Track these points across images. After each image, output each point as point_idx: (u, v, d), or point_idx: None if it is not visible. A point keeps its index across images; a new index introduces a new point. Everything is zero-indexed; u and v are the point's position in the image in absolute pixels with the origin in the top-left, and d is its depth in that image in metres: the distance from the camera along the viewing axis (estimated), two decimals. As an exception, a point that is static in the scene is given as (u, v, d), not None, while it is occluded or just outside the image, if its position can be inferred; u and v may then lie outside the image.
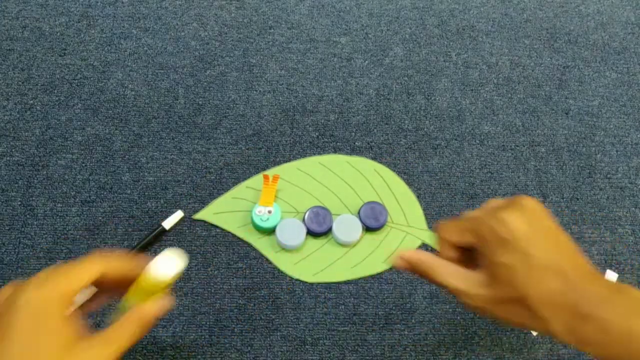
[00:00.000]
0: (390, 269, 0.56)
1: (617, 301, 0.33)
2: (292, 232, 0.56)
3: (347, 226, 0.57)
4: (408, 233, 0.58)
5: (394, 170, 0.62)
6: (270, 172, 0.60)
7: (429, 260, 0.38)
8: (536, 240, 0.35)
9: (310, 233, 0.57)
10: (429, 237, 0.58)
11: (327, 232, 0.57)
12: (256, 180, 0.60)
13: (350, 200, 0.59)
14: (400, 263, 0.39)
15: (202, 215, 0.57)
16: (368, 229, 0.57)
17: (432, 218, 0.59)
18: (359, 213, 0.58)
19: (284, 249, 0.56)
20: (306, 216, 0.57)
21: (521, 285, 0.34)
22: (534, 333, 0.54)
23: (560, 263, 0.34)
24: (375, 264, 0.56)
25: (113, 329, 0.34)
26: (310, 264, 0.56)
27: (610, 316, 0.32)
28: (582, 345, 0.33)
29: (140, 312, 0.35)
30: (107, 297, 0.39)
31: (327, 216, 0.57)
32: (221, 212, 0.58)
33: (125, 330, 0.34)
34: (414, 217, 0.59)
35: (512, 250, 0.34)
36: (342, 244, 0.57)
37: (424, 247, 0.58)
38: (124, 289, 0.36)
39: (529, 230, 0.35)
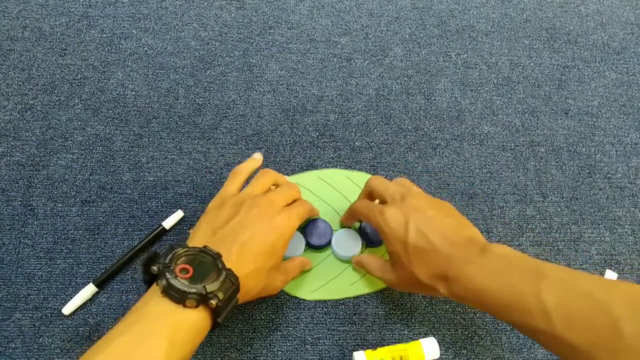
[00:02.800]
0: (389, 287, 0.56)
1: (477, 262, 0.41)
2: (291, 243, 0.54)
3: (346, 241, 0.56)
4: None
5: (394, 170, 0.62)
6: None
7: (364, 259, 0.53)
8: (410, 229, 0.45)
9: (310, 246, 0.56)
10: None
11: (327, 245, 0.56)
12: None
13: None
14: (355, 264, 0.55)
15: None
16: (369, 245, 0.57)
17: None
18: (359, 229, 0.57)
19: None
20: (306, 229, 0.56)
21: (407, 266, 0.45)
22: None
23: (432, 241, 0.44)
24: (374, 281, 0.55)
25: (289, 266, 0.51)
26: (307, 281, 0.55)
27: (469, 276, 0.41)
28: (455, 298, 0.43)
29: (302, 261, 0.54)
30: None
31: (327, 229, 0.56)
32: None
33: (295, 269, 0.52)
34: None
35: (394, 241, 0.46)
36: (341, 259, 0.56)
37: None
38: None
39: (404, 222, 0.46)
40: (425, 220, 0.45)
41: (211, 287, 0.38)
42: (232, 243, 0.43)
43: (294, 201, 0.51)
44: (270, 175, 0.51)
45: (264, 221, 0.45)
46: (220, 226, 0.45)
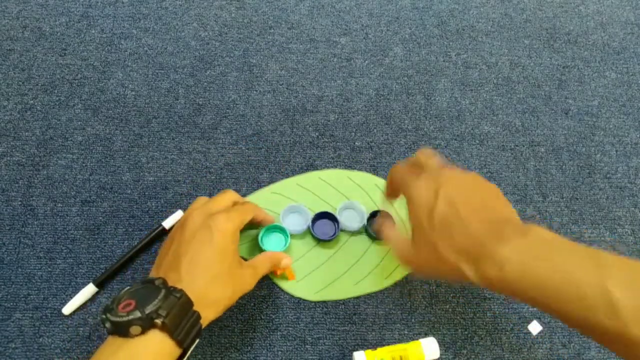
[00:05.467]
0: (393, 285, 0.56)
1: (517, 242, 0.36)
2: (296, 218, 0.57)
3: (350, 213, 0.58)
4: None
5: (394, 170, 0.62)
6: (270, 188, 0.59)
7: (389, 235, 0.47)
8: (440, 197, 0.40)
9: (315, 238, 0.57)
10: None
11: (332, 238, 0.57)
12: (258, 195, 0.60)
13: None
14: (378, 232, 0.55)
15: None
16: (375, 238, 0.57)
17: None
18: (365, 224, 0.57)
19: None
20: (314, 225, 0.57)
21: (430, 239, 0.40)
22: (533, 331, 0.55)
23: (461, 213, 0.39)
24: (378, 280, 0.56)
25: (257, 260, 0.50)
26: (312, 282, 0.55)
27: (505, 257, 0.35)
28: (486, 284, 0.37)
29: (272, 254, 0.52)
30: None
31: (332, 226, 0.57)
32: None
33: (264, 262, 0.50)
34: None
35: (420, 210, 0.40)
36: (349, 231, 0.57)
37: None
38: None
39: (434, 189, 0.40)
40: (459, 190, 0.40)
41: (150, 308, 0.38)
42: (178, 265, 0.43)
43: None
44: (228, 196, 0.51)
45: (202, 230, 0.45)
46: (164, 256, 0.45)
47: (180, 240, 0.45)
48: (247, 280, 0.47)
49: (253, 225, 0.54)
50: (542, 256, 0.35)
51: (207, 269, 0.43)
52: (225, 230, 0.45)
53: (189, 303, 0.40)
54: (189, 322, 0.40)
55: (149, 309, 0.38)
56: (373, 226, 0.56)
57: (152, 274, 0.45)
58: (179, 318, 0.39)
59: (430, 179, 0.41)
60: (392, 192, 0.49)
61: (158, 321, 0.38)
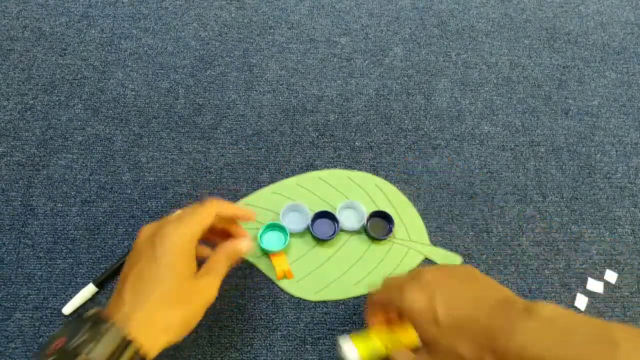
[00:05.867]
0: None
1: (526, 327, 0.36)
2: (296, 217, 0.56)
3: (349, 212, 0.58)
4: (410, 248, 0.57)
5: (394, 170, 0.62)
6: (270, 188, 0.59)
7: (395, 356, 0.43)
8: (438, 306, 0.39)
9: (315, 238, 0.57)
10: (431, 252, 0.57)
11: (332, 237, 0.57)
12: (258, 195, 0.60)
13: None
14: None
15: None
16: (375, 238, 0.57)
17: (432, 218, 0.59)
18: (365, 224, 0.57)
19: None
20: (313, 224, 0.57)
21: (449, 348, 0.39)
22: None
23: (466, 313, 0.39)
24: (378, 281, 0.55)
25: (211, 263, 0.43)
26: (312, 282, 0.55)
27: (521, 346, 0.36)
28: None
29: (225, 246, 0.44)
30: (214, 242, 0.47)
31: (332, 225, 0.57)
32: None
33: (219, 261, 0.43)
34: (416, 232, 0.58)
35: (426, 326, 0.40)
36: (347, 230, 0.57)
37: (427, 261, 0.57)
38: (225, 235, 0.47)
39: (428, 301, 0.40)
40: (449, 291, 0.40)
41: (73, 343, 0.35)
42: (121, 288, 0.39)
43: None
44: (205, 206, 0.44)
45: (146, 246, 0.40)
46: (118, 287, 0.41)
47: (128, 259, 0.41)
48: (204, 292, 0.41)
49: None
50: (554, 339, 0.35)
51: (151, 291, 0.38)
52: (171, 242, 0.40)
53: (118, 333, 0.36)
54: (122, 354, 0.36)
55: (71, 345, 0.35)
56: None
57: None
58: (107, 351, 0.35)
59: (416, 291, 0.41)
60: (374, 314, 0.46)
61: (82, 357, 0.34)
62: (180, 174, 0.60)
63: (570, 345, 0.35)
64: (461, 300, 0.40)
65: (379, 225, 0.58)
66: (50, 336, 0.37)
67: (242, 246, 0.45)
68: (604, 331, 0.35)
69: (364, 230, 0.58)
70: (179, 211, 0.54)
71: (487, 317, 0.38)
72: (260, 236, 0.55)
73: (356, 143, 0.63)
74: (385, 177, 0.61)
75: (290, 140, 0.63)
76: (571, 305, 0.56)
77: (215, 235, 0.47)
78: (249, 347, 0.52)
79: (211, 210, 0.43)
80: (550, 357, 0.35)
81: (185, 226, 0.41)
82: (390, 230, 0.57)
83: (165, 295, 0.38)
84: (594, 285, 0.57)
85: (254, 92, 0.66)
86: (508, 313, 0.38)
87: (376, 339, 0.44)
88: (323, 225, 0.57)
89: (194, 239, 0.41)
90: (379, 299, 0.45)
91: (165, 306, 0.38)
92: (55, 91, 0.64)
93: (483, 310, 0.39)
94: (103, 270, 0.54)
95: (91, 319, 0.36)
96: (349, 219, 0.58)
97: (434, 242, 0.58)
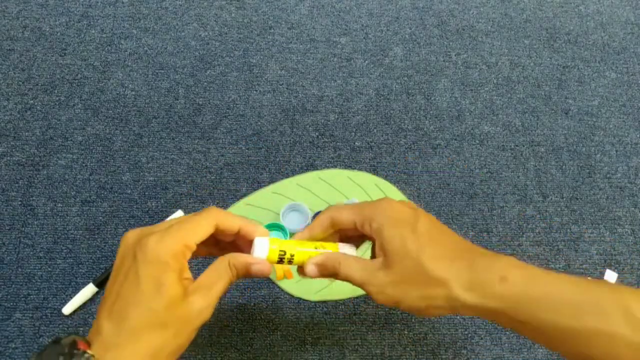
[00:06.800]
0: None
1: (518, 264, 0.34)
2: (296, 217, 0.56)
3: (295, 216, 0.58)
4: None
5: (394, 170, 0.62)
6: (270, 188, 0.59)
7: (334, 257, 0.38)
8: (420, 215, 0.37)
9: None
10: None
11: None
12: (258, 195, 0.60)
13: None
14: (311, 269, 0.39)
15: None
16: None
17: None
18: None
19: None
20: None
21: (414, 250, 0.35)
22: None
23: (446, 232, 0.37)
24: None
25: (210, 276, 0.37)
26: (312, 282, 0.55)
27: (506, 265, 0.33)
28: (479, 301, 0.34)
29: (229, 260, 0.37)
30: (218, 250, 0.41)
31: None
32: None
33: (218, 278, 0.37)
34: None
35: (400, 224, 0.36)
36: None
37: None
38: (227, 246, 0.40)
39: (413, 212, 0.37)
40: (436, 224, 0.38)
41: None
42: (101, 309, 0.34)
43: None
44: (202, 214, 0.38)
45: (127, 260, 0.35)
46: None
47: (112, 270, 0.36)
48: (195, 314, 0.35)
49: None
50: (552, 275, 0.33)
51: (133, 314, 0.33)
52: (156, 256, 0.34)
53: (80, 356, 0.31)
54: None
55: None
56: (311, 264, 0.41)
57: None
58: None
59: (404, 203, 0.39)
60: (348, 218, 0.39)
61: None
62: (180, 174, 0.60)
63: (571, 279, 0.33)
64: (446, 235, 0.38)
65: None
66: None
67: (252, 265, 0.38)
68: (598, 278, 0.34)
69: None
70: (173, 217, 0.52)
71: (468, 243, 0.37)
72: None
73: (356, 143, 0.63)
74: (385, 177, 0.61)
75: (290, 140, 0.63)
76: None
77: (225, 251, 0.40)
78: (249, 347, 0.52)
79: (208, 221, 0.37)
80: (547, 288, 0.33)
81: (172, 238, 0.35)
82: None
83: (150, 319, 0.33)
84: (594, 285, 0.57)
85: (254, 92, 0.66)
86: (497, 255, 0.36)
87: (298, 244, 0.39)
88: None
89: (184, 253, 0.35)
90: (346, 213, 0.39)
91: (149, 331, 0.33)
92: (55, 91, 0.64)
93: (467, 245, 0.37)
94: (103, 270, 0.54)
95: (68, 347, 0.32)
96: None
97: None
